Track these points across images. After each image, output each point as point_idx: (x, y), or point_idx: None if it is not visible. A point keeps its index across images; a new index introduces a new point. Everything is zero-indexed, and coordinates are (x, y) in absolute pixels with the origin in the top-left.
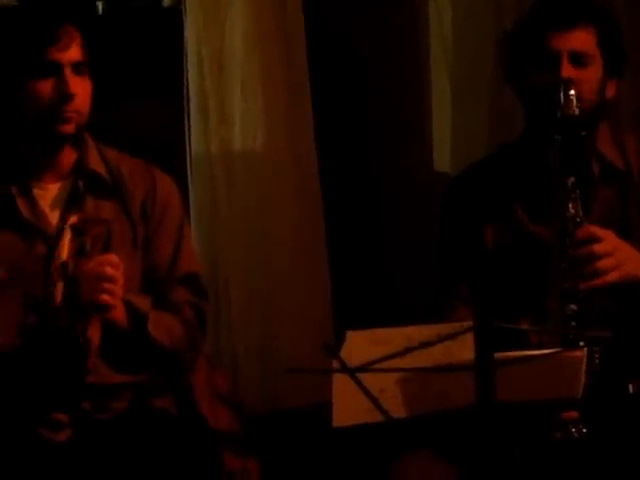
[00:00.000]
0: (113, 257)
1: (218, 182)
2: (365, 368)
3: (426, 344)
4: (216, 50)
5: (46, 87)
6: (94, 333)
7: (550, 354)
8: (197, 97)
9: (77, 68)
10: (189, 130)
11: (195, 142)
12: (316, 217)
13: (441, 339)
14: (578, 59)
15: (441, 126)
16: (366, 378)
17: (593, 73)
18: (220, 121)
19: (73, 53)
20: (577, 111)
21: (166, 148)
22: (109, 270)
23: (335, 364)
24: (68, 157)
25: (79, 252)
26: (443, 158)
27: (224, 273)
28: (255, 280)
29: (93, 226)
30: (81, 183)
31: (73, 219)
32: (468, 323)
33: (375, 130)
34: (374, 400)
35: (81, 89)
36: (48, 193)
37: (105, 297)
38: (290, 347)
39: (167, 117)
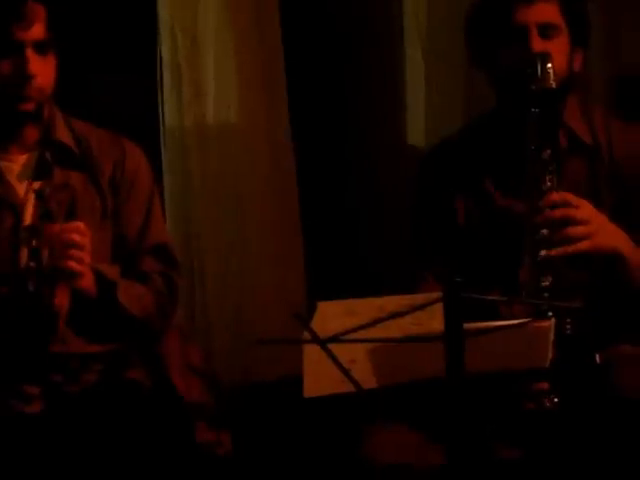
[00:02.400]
0: (80, 224)
1: (191, 155)
2: (336, 339)
3: (396, 314)
4: (189, 23)
5: (6, 67)
6: (62, 300)
7: (518, 324)
8: (170, 70)
9: (40, 47)
10: (162, 103)
11: (168, 115)
12: (290, 190)
13: (411, 310)
14: (545, 31)
15: (415, 101)
16: (337, 349)
17: (561, 45)
18: (193, 94)
19: (36, 31)
20: (554, 84)
21: (139, 121)
22: (76, 237)
23: (306, 335)
24: (32, 130)
25: (44, 216)
26: (417, 133)
27: (198, 246)
28: (229, 252)
29: (57, 191)
30: (48, 154)
31: (36, 184)
32: (437, 294)
33: (350, 104)
34: (345, 371)
35: (42, 68)
36: (15, 165)
37: (72, 264)
38: (264, 320)
39: (140, 90)
